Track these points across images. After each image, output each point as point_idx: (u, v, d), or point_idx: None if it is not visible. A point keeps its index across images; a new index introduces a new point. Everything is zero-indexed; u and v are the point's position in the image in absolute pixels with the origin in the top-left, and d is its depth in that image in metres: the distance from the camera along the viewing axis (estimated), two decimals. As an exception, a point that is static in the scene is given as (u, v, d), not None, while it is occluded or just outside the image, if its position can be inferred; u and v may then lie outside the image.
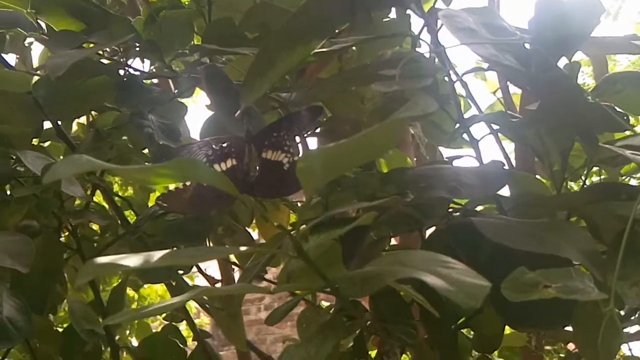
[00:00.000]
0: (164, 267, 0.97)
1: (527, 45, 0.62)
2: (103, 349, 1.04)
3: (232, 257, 1.15)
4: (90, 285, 1.11)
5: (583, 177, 0.75)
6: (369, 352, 0.66)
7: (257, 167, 0.60)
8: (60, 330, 1.10)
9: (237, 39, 0.79)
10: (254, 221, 1.12)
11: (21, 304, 0.87)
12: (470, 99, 0.71)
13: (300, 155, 0.60)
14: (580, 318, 0.61)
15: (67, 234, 1.08)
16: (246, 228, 1.12)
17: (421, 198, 0.64)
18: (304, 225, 0.52)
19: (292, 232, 0.49)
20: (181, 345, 1.08)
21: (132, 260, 0.45)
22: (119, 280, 1.67)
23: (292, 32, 0.58)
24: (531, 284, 0.48)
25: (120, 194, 1.23)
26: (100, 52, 0.86)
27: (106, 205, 1.18)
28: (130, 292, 1.61)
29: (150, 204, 1.27)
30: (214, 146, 0.61)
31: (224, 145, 0.61)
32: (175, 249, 1.07)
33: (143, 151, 0.94)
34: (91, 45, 0.79)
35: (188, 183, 0.57)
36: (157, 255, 0.46)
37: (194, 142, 0.62)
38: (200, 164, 0.44)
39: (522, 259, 0.54)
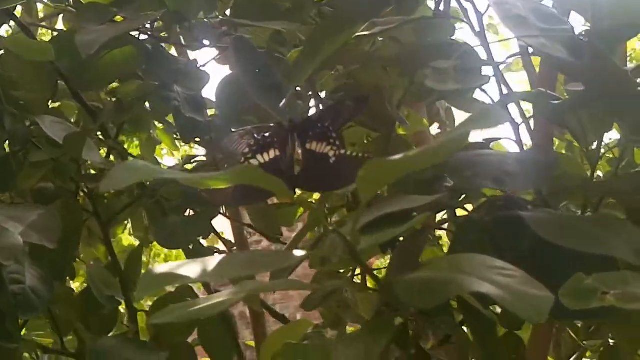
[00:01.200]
0: (184, 234, 0.97)
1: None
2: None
3: (247, 219, 1.13)
4: (106, 246, 1.10)
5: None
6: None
7: (302, 159, 0.59)
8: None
9: (268, 8, 0.76)
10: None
11: (42, 273, 0.86)
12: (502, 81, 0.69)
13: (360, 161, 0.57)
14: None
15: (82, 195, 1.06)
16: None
17: (463, 185, 0.63)
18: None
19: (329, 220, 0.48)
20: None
21: (191, 271, 0.44)
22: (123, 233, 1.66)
23: (340, 17, 0.56)
24: (590, 291, 0.47)
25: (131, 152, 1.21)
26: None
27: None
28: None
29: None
30: (255, 135, 0.59)
31: (266, 134, 0.59)
32: (192, 213, 1.06)
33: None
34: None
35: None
36: (214, 263, 0.46)
37: (235, 132, 0.60)
38: (261, 172, 0.42)
39: (564, 252, 0.54)
